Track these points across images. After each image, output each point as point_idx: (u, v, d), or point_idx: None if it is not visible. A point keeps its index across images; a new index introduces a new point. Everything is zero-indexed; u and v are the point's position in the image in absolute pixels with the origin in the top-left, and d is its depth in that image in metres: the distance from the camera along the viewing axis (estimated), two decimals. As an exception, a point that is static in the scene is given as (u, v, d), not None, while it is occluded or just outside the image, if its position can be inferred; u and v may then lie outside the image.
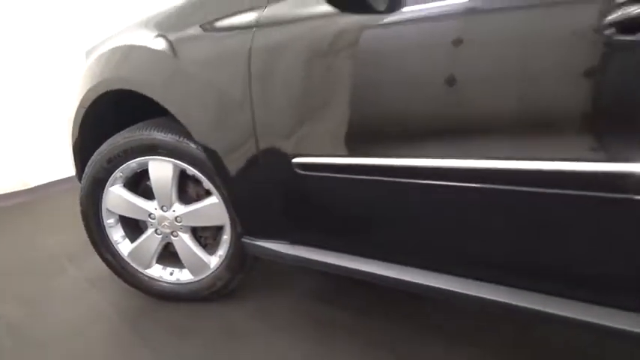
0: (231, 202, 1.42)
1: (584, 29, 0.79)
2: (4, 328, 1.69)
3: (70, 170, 1.88)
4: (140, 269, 1.73)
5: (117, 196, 1.61)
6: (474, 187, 0.97)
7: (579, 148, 0.83)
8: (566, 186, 0.86)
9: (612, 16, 0.77)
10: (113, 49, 1.55)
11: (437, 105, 0.97)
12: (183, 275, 1.71)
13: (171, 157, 1.48)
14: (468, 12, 0.92)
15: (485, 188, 0.96)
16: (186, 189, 1.59)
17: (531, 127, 0.88)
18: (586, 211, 0.88)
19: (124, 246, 1.72)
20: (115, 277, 1.78)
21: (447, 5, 0.93)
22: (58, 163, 3.34)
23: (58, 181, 3.39)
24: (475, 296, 1.09)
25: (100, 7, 3.44)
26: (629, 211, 0.83)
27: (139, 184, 1.64)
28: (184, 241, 1.61)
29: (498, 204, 0.97)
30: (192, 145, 1.42)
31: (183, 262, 1.66)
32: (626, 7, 0.77)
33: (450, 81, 0.95)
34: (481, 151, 0.94)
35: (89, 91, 1.59)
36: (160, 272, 1.73)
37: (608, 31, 0.77)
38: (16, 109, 3.14)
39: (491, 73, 0.90)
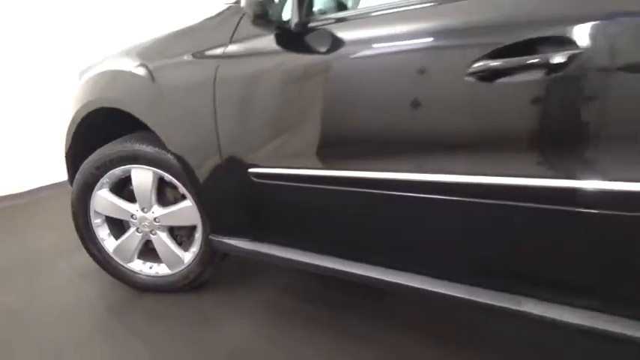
0: (201, 205, 1.68)
1: (460, 74, 1.05)
2: (2, 314, 1.92)
3: (62, 175, 2.12)
4: (123, 263, 1.97)
5: (103, 199, 1.85)
6: (385, 193, 1.24)
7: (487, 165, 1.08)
8: (489, 197, 1.10)
9: (476, 66, 1.03)
10: (103, 72, 1.80)
11: (351, 126, 1.24)
12: (161, 269, 1.95)
13: (150, 166, 1.73)
14: (376, 54, 1.19)
15: (393, 195, 1.22)
16: (164, 193, 1.84)
17: (421, 146, 1.15)
18: (507, 215, 1.11)
19: (109, 243, 1.97)
20: (102, 271, 2.02)
21: (359, 48, 1.21)
22: (51, 168, 3.56)
23: (49, 185, 3.62)
24: (405, 285, 1.33)
25: (94, 17, 3.68)
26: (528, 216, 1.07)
27: (123, 188, 1.89)
28: (162, 239, 1.86)
29: (418, 208, 1.22)
30: (169, 156, 1.67)
31: (161, 257, 1.91)
32: (486, 61, 1.04)
33: (363, 107, 1.22)
34: (389, 164, 1.20)
35: (82, 107, 1.84)
36: (140, 266, 1.97)
37: (474, 77, 1.04)
38: (11, 117, 3.37)
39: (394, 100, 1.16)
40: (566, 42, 0.94)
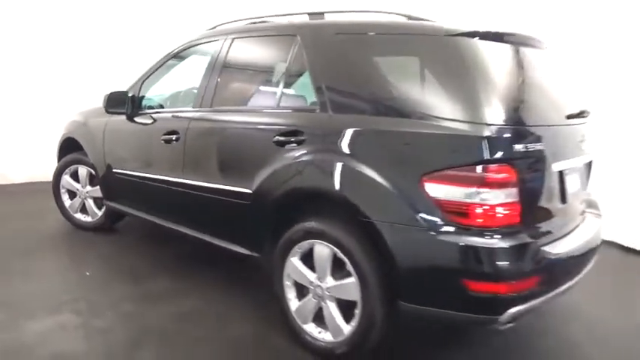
0: (101, 184, 3.56)
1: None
2: None
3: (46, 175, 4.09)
4: None
5: (67, 182, 3.80)
6: (166, 187, 3.04)
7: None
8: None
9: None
10: (71, 119, 3.80)
11: (146, 154, 3.11)
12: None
13: (86, 165, 3.65)
14: (153, 128, 3.04)
15: (168, 188, 3.03)
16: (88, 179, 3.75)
17: (166, 165, 2.97)
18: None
19: (78, 215, 3.89)
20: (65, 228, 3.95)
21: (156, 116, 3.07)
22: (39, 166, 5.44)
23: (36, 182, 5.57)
24: (176, 229, 3.10)
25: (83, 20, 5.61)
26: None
27: (76, 173, 3.83)
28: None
29: (175, 192, 2.97)
30: (89, 161, 3.58)
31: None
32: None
33: (152, 146, 3.06)
34: (164, 173, 3.00)
35: (63, 135, 3.84)
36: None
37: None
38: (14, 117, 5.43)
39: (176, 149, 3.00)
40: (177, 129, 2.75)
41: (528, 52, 2.18)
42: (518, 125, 1.84)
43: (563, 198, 2.07)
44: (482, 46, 1.95)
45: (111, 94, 3.13)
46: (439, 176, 1.78)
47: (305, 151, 2.16)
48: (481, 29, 1.97)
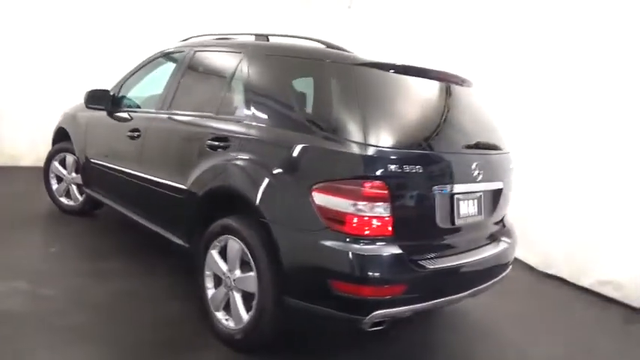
0: (81, 173, 3.92)
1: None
2: None
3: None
4: None
5: (55, 167, 4.19)
6: (128, 178, 3.37)
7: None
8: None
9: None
10: (64, 112, 4.20)
11: (115, 147, 3.45)
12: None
13: (73, 154, 4.03)
14: (124, 124, 3.38)
15: (130, 180, 3.36)
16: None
17: (143, 163, 3.30)
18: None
19: (62, 199, 4.28)
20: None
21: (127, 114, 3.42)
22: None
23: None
24: (132, 218, 3.42)
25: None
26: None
27: (64, 160, 4.21)
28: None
29: (133, 184, 3.29)
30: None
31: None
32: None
33: (120, 141, 3.40)
34: (126, 166, 3.33)
35: (57, 125, 4.24)
36: None
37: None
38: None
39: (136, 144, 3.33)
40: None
41: (435, 85, 2.41)
42: (398, 149, 2.06)
43: (452, 220, 2.26)
44: (382, 77, 2.20)
45: (91, 91, 3.50)
46: (324, 187, 2.02)
47: (228, 156, 2.43)
48: (385, 62, 2.22)
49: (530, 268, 4.12)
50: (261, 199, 2.21)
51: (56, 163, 4.20)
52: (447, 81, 2.49)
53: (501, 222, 2.75)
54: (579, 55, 3.76)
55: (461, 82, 2.59)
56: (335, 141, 2.06)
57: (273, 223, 2.15)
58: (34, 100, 6.06)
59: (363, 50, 2.37)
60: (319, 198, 2.03)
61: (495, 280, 2.53)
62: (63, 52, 6.14)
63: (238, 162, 2.38)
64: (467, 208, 2.35)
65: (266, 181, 2.21)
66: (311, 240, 2.05)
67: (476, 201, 2.42)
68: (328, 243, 2.00)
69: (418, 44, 5.21)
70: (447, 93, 2.49)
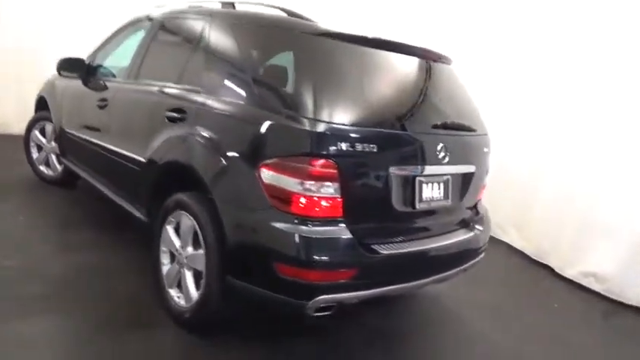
0: (58, 143, 3.85)
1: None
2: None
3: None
4: None
5: (36, 137, 4.13)
6: (96, 149, 3.29)
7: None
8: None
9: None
10: (47, 80, 4.11)
11: (87, 117, 3.35)
12: None
13: (47, 121, 3.95)
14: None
15: (98, 150, 3.28)
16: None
17: (114, 135, 3.21)
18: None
19: (42, 168, 4.23)
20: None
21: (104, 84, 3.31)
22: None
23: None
24: (98, 189, 3.36)
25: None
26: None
27: (44, 129, 4.15)
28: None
29: (100, 155, 3.21)
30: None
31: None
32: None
33: (92, 111, 3.31)
34: (95, 136, 3.26)
35: (38, 94, 4.16)
36: None
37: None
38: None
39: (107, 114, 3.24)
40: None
41: (406, 61, 2.25)
42: (352, 126, 1.92)
43: (413, 203, 2.14)
44: (343, 49, 2.05)
45: (63, 59, 3.40)
46: (271, 163, 1.91)
47: (183, 129, 2.32)
48: (347, 32, 2.07)
49: (525, 256, 4.03)
50: (208, 175, 2.11)
51: (36, 132, 4.14)
52: (420, 56, 2.34)
53: (474, 208, 2.62)
54: (578, 51, 3.58)
55: (437, 58, 2.43)
56: (289, 117, 1.93)
57: (220, 200, 2.04)
58: (25, 67, 5.97)
59: (327, 19, 2.22)
60: (266, 175, 1.91)
61: (463, 267, 2.42)
62: (53, 17, 6.01)
63: (192, 135, 2.26)
64: (430, 192, 2.22)
65: (215, 156, 2.10)
66: (256, 219, 1.95)
67: (442, 184, 2.28)
68: (273, 223, 1.89)
69: (398, 19, 4.99)
70: (419, 69, 2.34)
